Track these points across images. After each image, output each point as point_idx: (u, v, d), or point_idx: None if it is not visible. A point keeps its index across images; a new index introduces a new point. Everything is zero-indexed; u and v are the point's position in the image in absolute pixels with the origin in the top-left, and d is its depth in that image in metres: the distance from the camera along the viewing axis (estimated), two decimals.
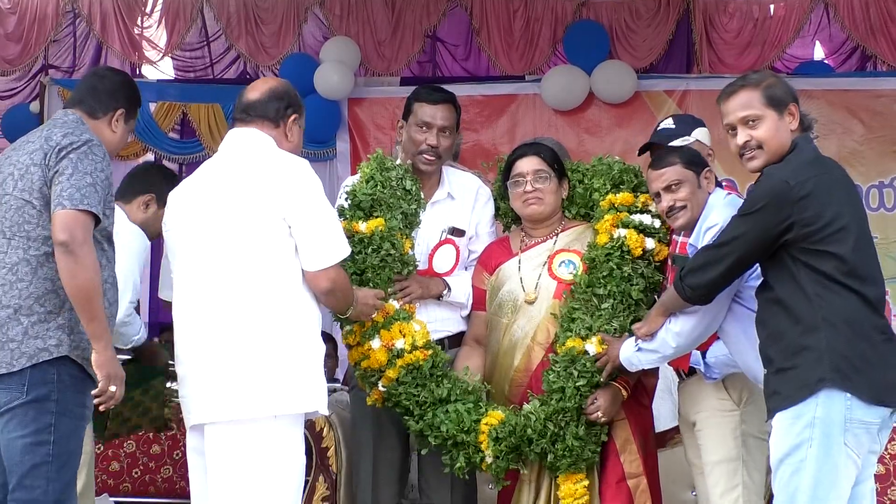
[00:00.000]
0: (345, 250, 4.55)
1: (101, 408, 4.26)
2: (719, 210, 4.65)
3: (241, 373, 4.35)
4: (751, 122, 4.30)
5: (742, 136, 4.31)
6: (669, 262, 4.98)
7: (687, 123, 5.12)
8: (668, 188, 4.77)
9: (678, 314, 4.63)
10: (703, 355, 4.90)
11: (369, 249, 4.97)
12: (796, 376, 4.09)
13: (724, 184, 5.05)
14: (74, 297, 4.12)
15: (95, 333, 4.13)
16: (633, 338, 4.79)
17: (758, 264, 4.37)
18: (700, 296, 4.38)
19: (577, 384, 4.80)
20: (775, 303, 4.20)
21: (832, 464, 4.05)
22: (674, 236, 4.99)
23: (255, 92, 4.70)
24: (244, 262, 4.41)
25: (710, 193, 4.80)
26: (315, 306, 4.52)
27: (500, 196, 5.39)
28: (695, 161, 4.82)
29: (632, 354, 4.77)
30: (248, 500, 4.33)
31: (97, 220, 4.23)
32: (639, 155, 5.31)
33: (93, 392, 4.22)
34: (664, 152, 4.90)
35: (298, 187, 4.45)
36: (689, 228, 4.76)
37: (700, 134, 5.05)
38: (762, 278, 4.34)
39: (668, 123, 5.14)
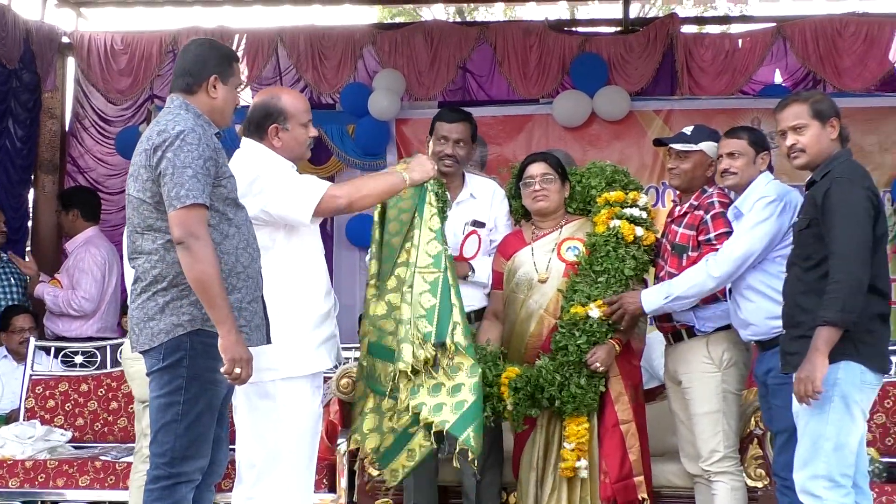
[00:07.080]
0: None
1: (230, 382, 3.93)
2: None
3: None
4: (798, 129, 4.31)
5: (790, 139, 4.33)
6: (669, 248, 5.00)
7: (701, 134, 5.03)
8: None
9: (719, 258, 4.68)
10: (695, 314, 4.90)
11: None
12: None
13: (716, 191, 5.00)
14: (193, 287, 3.83)
15: (216, 319, 3.82)
16: (659, 289, 4.82)
17: (794, 237, 4.36)
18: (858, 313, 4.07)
19: (578, 342, 4.83)
20: (813, 282, 4.15)
21: (850, 414, 4.09)
22: (672, 226, 5.01)
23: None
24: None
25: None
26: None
27: (513, 196, 5.38)
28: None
29: (663, 305, 4.80)
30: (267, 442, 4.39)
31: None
32: (654, 146, 5.49)
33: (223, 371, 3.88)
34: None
35: None
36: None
37: (705, 146, 4.99)
38: (799, 250, 4.28)
39: (688, 129, 5.08)
